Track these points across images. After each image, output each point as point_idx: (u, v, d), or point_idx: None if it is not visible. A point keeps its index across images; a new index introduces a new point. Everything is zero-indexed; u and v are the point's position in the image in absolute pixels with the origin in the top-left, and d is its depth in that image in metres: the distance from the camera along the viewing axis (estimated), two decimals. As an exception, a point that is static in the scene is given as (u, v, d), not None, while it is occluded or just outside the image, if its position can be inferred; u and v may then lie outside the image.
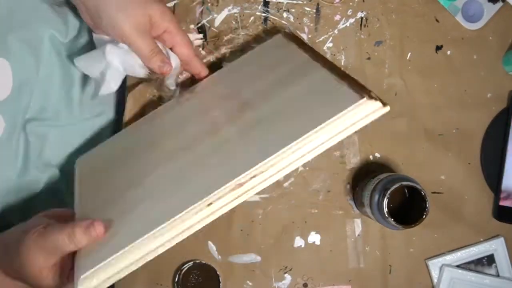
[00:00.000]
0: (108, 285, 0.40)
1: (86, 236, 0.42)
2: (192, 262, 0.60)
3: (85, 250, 0.43)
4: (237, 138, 0.45)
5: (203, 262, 0.61)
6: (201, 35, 0.63)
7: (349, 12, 0.63)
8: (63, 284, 0.45)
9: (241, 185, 0.38)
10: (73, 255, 0.44)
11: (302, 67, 0.49)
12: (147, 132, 0.57)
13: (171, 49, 0.57)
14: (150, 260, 0.40)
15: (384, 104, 0.36)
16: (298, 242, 0.62)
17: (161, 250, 0.40)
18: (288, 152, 0.38)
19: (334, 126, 0.36)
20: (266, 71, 0.53)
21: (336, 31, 0.63)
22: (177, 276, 0.60)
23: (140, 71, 0.55)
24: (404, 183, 0.53)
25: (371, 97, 0.36)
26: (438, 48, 0.63)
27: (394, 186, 0.53)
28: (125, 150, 0.56)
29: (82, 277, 0.39)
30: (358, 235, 0.62)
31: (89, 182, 0.54)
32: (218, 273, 0.60)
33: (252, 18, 0.63)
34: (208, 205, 0.39)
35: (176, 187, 0.44)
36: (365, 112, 0.36)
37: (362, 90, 0.38)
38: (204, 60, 0.63)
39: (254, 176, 0.39)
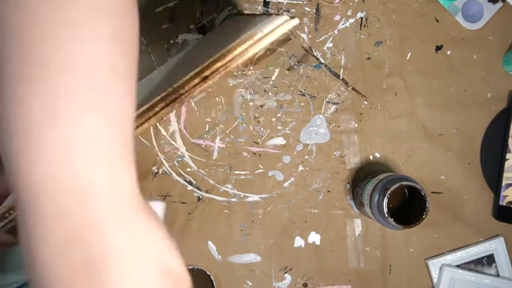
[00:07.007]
0: None
1: None
2: None
3: None
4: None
5: (196, 267, 0.60)
6: (201, 35, 0.63)
7: (349, 12, 0.63)
8: None
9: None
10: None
11: (238, 24, 0.55)
12: None
13: None
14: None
15: (292, 17, 0.42)
16: (298, 242, 0.62)
17: None
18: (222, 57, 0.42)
19: (245, 41, 0.41)
20: (215, 40, 0.58)
21: (336, 31, 0.63)
22: None
23: None
24: (404, 183, 0.53)
25: (278, 14, 0.42)
26: (438, 48, 0.63)
27: (394, 186, 0.53)
28: None
29: None
30: (358, 235, 0.62)
31: None
32: (212, 278, 0.60)
33: (252, 18, 0.63)
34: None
35: None
36: (275, 24, 0.41)
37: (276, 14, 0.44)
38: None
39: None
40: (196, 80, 0.40)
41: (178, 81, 0.40)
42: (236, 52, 0.40)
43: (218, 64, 0.40)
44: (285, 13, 0.42)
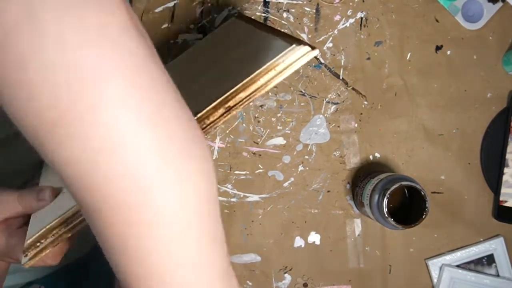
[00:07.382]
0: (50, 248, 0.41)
1: (34, 200, 0.45)
2: None
3: (38, 212, 0.45)
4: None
5: None
6: (201, 35, 0.63)
7: (349, 12, 0.63)
8: (7, 241, 0.46)
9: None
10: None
11: (247, 36, 0.53)
12: None
13: None
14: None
15: (313, 48, 0.40)
16: (298, 242, 0.62)
17: None
18: (238, 91, 0.40)
19: (268, 71, 0.40)
20: (222, 47, 0.56)
21: (336, 31, 0.63)
22: None
23: None
24: (404, 183, 0.53)
25: (299, 44, 0.40)
26: (438, 48, 0.63)
27: (394, 186, 0.53)
28: None
29: (28, 241, 0.41)
30: (358, 235, 0.62)
31: None
32: None
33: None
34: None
35: None
36: (297, 55, 0.40)
37: (294, 41, 0.41)
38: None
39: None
40: (221, 111, 0.40)
41: (198, 106, 0.40)
42: (259, 82, 0.39)
43: (242, 95, 0.39)
44: (299, 38, 0.41)
